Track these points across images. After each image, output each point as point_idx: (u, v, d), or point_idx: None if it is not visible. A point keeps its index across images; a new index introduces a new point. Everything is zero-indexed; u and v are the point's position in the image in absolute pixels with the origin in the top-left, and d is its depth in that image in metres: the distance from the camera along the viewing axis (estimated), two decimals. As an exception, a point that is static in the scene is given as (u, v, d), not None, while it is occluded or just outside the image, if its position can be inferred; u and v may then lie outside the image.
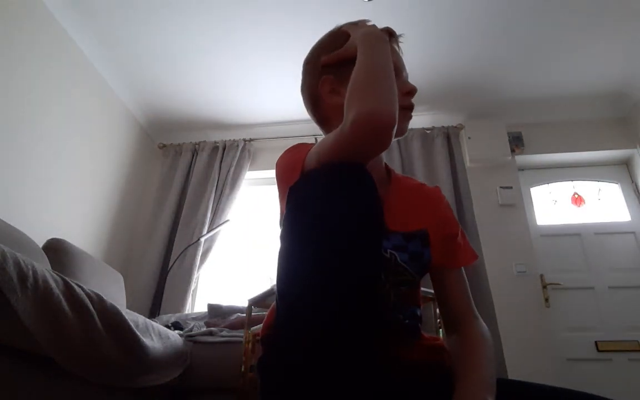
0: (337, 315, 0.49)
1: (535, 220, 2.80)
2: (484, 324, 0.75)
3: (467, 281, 0.80)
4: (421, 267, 0.74)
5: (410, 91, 0.76)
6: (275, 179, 0.73)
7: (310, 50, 0.87)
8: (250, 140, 3.09)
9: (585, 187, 2.91)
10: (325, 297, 0.50)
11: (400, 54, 0.81)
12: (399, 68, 0.77)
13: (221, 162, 3.02)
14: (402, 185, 0.83)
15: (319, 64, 0.82)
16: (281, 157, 0.73)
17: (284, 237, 0.58)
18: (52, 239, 1.83)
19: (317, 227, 0.53)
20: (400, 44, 0.82)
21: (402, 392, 0.61)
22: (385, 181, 0.82)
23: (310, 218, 0.54)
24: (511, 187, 2.77)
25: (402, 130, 0.77)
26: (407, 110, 0.77)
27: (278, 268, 0.57)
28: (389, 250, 0.71)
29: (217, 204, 2.86)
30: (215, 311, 2.13)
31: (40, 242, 1.74)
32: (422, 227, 0.76)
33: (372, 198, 0.54)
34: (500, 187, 2.77)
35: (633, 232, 2.69)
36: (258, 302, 1.52)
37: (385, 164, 0.86)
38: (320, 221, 0.53)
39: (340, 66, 0.77)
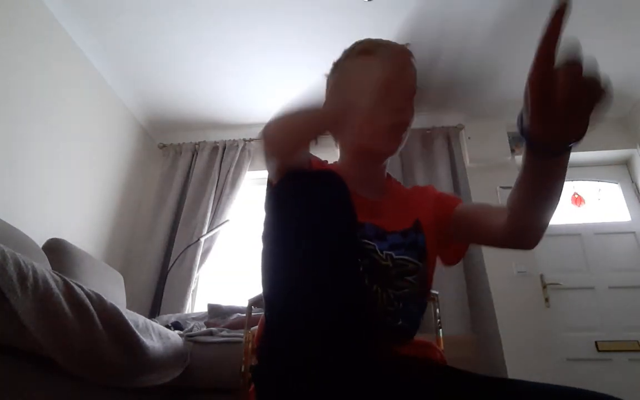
0: (315, 316, 0.50)
1: (535, 220, 2.80)
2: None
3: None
4: (420, 252, 0.74)
5: (398, 108, 0.73)
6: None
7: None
8: (250, 140, 3.09)
9: (585, 187, 2.91)
10: (301, 299, 0.51)
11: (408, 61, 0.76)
12: (393, 83, 0.74)
13: (221, 162, 3.02)
14: (396, 190, 0.86)
15: (327, 87, 0.85)
16: None
17: (264, 239, 0.60)
18: (52, 239, 1.83)
19: (284, 229, 0.56)
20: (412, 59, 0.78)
21: (394, 386, 0.61)
22: (386, 190, 0.84)
23: (279, 221, 0.57)
24: (511, 187, 2.76)
25: (392, 150, 0.77)
26: (397, 127, 0.74)
27: (262, 270, 0.59)
28: (384, 252, 0.71)
29: (217, 204, 2.86)
30: (215, 311, 2.13)
31: (40, 242, 1.74)
32: (414, 218, 0.78)
33: (334, 198, 0.56)
34: (500, 187, 2.77)
35: (633, 232, 2.69)
36: (258, 302, 1.52)
37: (388, 174, 0.88)
38: (286, 224, 0.56)
39: (337, 91, 0.80)
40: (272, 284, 0.56)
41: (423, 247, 0.74)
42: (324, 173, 0.59)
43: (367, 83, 0.74)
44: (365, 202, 0.74)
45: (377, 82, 0.73)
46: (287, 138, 0.64)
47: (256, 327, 1.44)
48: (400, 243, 0.73)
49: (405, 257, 0.71)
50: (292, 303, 0.52)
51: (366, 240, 0.70)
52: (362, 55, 0.78)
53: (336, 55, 0.85)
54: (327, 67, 0.86)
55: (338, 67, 0.82)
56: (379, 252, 0.70)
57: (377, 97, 0.73)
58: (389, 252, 0.71)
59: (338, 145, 0.86)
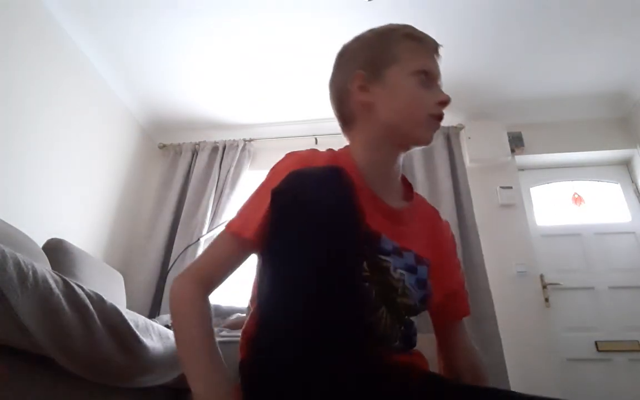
0: (312, 321, 0.50)
1: (535, 220, 2.80)
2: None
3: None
4: (423, 297, 0.72)
5: (443, 101, 0.73)
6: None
7: (347, 44, 0.83)
8: (250, 140, 3.09)
9: (585, 187, 2.91)
10: (293, 308, 0.51)
11: (439, 62, 0.79)
12: (434, 75, 0.75)
13: (221, 162, 3.02)
14: (421, 208, 0.83)
15: (352, 60, 0.79)
16: None
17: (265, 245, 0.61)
18: (52, 239, 1.83)
19: (284, 237, 0.56)
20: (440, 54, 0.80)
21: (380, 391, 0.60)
22: (402, 195, 0.81)
23: (279, 229, 0.57)
24: (511, 187, 2.76)
25: (428, 140, 0.75)
26: (437, 119, 0.74)
27: (262, 271, 0.60)
28: (398, 271, 0.68)
29: (217, 204, 2.86)
30: (215, 311, 2.13)
31: (40, 242, 1.74)
32: (428, 256, 0.75)
33: (337, 204, 0.55)
34: (500, 187, 2.77)
35: (633, 232, 2.68)
36: (258, 302, 1.52)
37: (405, 177, 0.84)
38: (287, 232, 0.56)
39: (376, 65, 0.76)
40: (270, 289, 0.56)
41: (429, 294, 0.73)
42: (329, 174, 0.58)
43: (417, 66, 0.73)
44: (384, 209, 0.73)
45: (424, 67, 0.73)
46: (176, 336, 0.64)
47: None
48: (413, 267, 0.71)
49: (412, 292, 0.70)
50: (282, 311, 0.52)
51: (382, 256, 0.68)
52: (410, 39, 0.76)
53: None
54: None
55: (380, 42, 0.78)
56: (392, 272, 0.68)
57: (421, 82, 0.73)
58: (403, 272, 0.69)
59: (351, 137, 0.81)
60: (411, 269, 0.70)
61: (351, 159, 0.76)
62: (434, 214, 0.86)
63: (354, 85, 0.76)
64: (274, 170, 0.73)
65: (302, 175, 0.58)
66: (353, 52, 0.80)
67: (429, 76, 0.74)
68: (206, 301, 0.66)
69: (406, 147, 0.77)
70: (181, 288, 0.66)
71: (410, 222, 0.76)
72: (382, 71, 0.74)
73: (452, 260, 0.83)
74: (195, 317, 0.63)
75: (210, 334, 0.62)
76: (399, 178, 0.81)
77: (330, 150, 0.79)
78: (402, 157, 0.79)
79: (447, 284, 0.78)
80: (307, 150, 0.75)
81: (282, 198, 0.58)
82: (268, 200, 0.62)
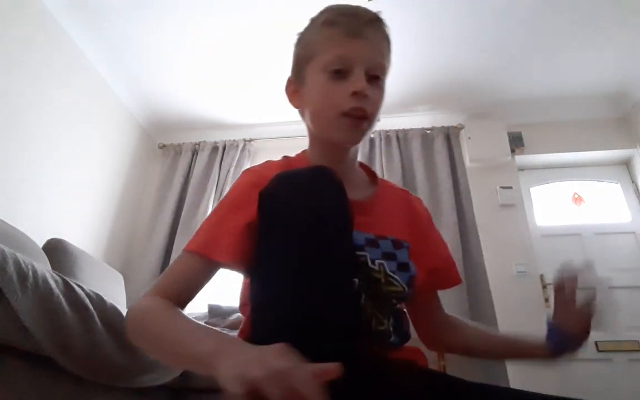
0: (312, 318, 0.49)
1: (535, 220, 2.80)
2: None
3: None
4: (408, 279, 0.69)
5: (355, 92, 0.64)
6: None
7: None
8: (250, 140, 3.09)
9: (585, 187, 2.91)
10: (291, 311, 0.49)
11: (366, 42, 0.66)
12: (351, 63, 0.65)
13: (221, 162, 3.02)
14: (389, 192, 0.81)
15: (292, 59, 0.77)
16: None
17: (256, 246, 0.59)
18: (52, 239, 1.83)
19: (274, 241, 0.54)
20: (382, 27, 0.70)
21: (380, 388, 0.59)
22: (368, 184, 0.79)
23: (269, 231, 0.56)
24: (511, 187, 2.76)
25: (349, 139, 0.68)
26: (349, 116, 0.65)
27: (255, 274, 0.57)
28: (376, 262, 0.66)
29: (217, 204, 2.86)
30: (215, 311, 2.13)
31: (40, 242, 1.74)
32: (406, 238, 0.72)
33: (328, 205, 0.54)
34: (500, 187, 2.77)
35: (633, 232, 2.68)
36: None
37: (366, 166, 0.82)
38: (277, 235, 0.54)
39: (299, 65, 0.73)
40: (262, 292, 0.55)
41: (413, 276, 0.70)
42: (313, 174, 0.56)
43: (327, 59, 0.66)
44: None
45: (334, 58, 0.65)
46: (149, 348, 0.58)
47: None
48: (391, 253, 0.69)
49: (396, 277, 0.67)
50: (274, 312, 0.51)
51: (358, 252, 0.65)
52: (325, 26, 0.69)
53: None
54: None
55: (302, 39, 0.74)
56: (370, 263, 0.66)
57: (332, 77, 0.65)
58: (381, 262, 0.67)
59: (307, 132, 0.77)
60: (390, 256, 0.68)
61: (306, 161, 0.75)
62: (403, 193, 0.84)
63: (287, 91, 0.76)
64: (232, 188, 0.71)
65: (287, 177, 0.57)
66: (293, 48, 0.77)
67: (344, 64, 0.65)
68: (175, 305, 0.59)
69: (339, 149, 0.73)
70: (140, 302, 0.60)
71: (378, 209, 0.74)
72: (303, 71, 0.71)
73: (431, 235, 0.81)
74: (166, 308, 0.57)
75: (188, 318, 0.57)
76: (356, 168, 0.79)
77: (285, 157, 0.78)
78: (352, 151, 0.75)
79: (429, 262, 0.76)
80: (261, 163, 0.75)
81: (269, 200, 0.56)
82: (233, 216, 0.62)
